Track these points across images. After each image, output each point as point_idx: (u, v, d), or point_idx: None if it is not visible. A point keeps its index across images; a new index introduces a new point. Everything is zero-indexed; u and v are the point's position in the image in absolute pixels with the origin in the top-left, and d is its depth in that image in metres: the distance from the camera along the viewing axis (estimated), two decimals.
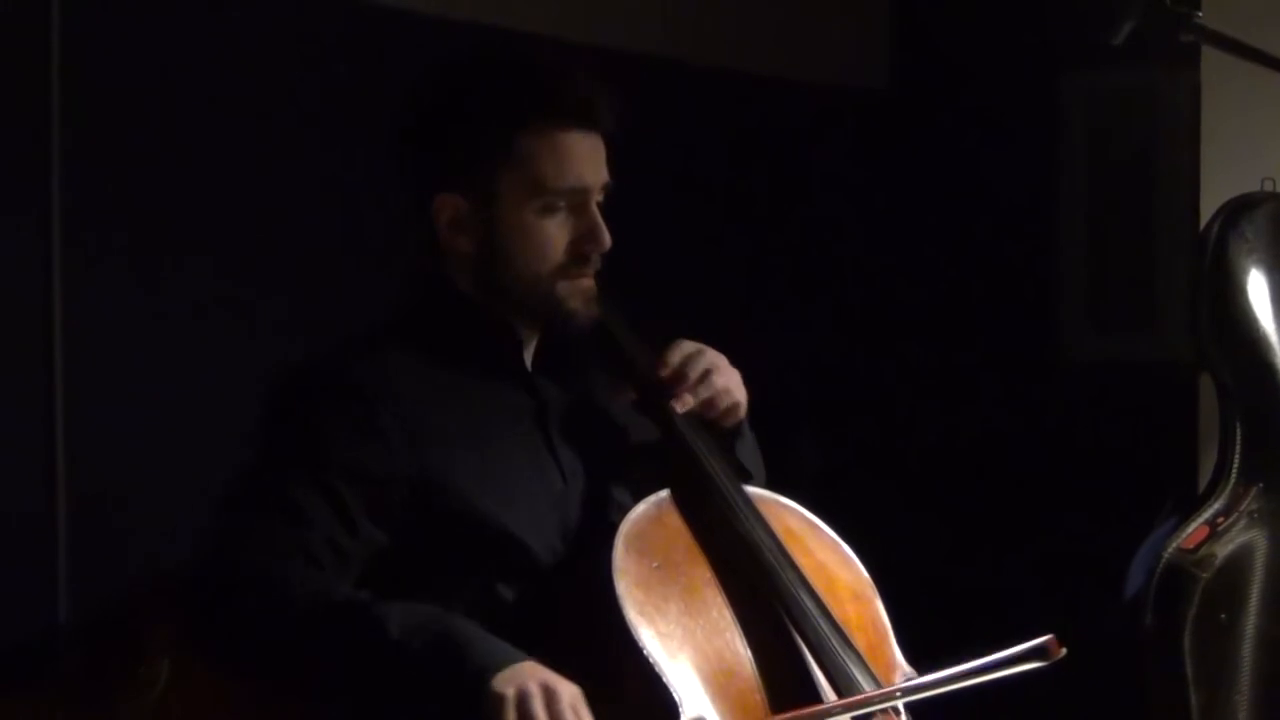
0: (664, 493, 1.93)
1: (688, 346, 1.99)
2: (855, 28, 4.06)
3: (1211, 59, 3.18)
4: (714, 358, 2.00)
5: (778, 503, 2.02)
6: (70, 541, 2.78)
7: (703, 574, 1.87)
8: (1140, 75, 3.70)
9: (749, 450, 2.07)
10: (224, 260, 2.96)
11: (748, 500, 1.95)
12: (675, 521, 1.90)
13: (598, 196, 1.94)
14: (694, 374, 1.97)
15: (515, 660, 1.72)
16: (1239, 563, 2.75)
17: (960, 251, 3.99)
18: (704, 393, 1.97)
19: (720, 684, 1.80)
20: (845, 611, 1.93)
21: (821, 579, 1.93)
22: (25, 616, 2.73)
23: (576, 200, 1.92)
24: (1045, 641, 1.77)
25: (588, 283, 1.94)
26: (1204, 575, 2.71)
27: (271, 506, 1.81)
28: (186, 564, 2.60)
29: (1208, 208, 3.04)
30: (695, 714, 1.76)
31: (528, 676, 1.69)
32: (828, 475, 3.38)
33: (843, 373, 3.93)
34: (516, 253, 1.91)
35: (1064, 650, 1.79)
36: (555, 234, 1.91)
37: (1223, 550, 2.73)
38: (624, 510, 1.90)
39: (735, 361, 2.04)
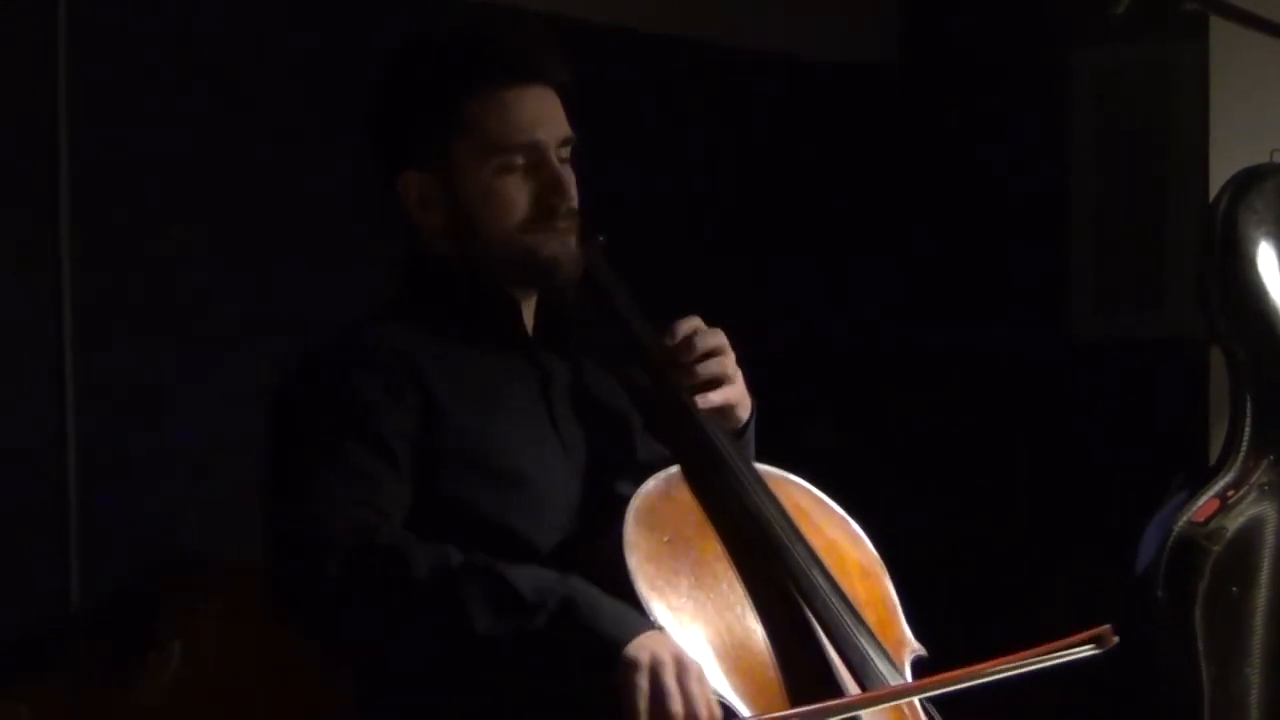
0: (674, 468, 1.92)
1: (693, 321, 1.99)
2: (864, 3, 4.04)
3: (1219, 31, 3.16)
4: (718, 343, 1.99)
5: (787, 480, 2.02)
6: (82, 525, 2.79)
7: (713, 549, 1.87)
8: (1148, 49, 3.69)
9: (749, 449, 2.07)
10: (230, 251, 2.96)
11: (757, 476, 1.95)
12: (685, 497, 1.90)
13: (560, 151, 1.95)
14: (698, 350, 1.96)
15: (646, 627, 1.74)
16: (1250, 536, 2.75)
17: (969, 228, 3.98)
18: (714, 368, 1.97)
19: (732, 657, 1.80)
20: (855, 588, 1.93)
21: (832, 556, 1.93)
22: (37, 600, 2.74)
23: (533, 156, 1.93)
24: (1100, 631, 1.78)
25: (562, 236, 1.93)
26: (1215, 548, 2.71)
27: (341, 468, 1.81)
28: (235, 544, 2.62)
29: (1216, 180, 3.03)
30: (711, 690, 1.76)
31: (661, 645, 1.72)
32: (836, 454, 3.38)
33: (851, 351, 3.92)
34: (482, 216, 1.93)
35: (1117, 639, 1.79)
36: (514, 192, 1.92)
37: (1233, 523, 2.73)
38: (622, 485, 1.90)
39: (741, 342, 2.04)
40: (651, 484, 1.89)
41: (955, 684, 1.79)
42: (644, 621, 1.75)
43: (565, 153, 1.95)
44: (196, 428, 2.91)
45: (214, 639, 2.79)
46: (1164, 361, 3.60)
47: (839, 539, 2.00)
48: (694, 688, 1.72)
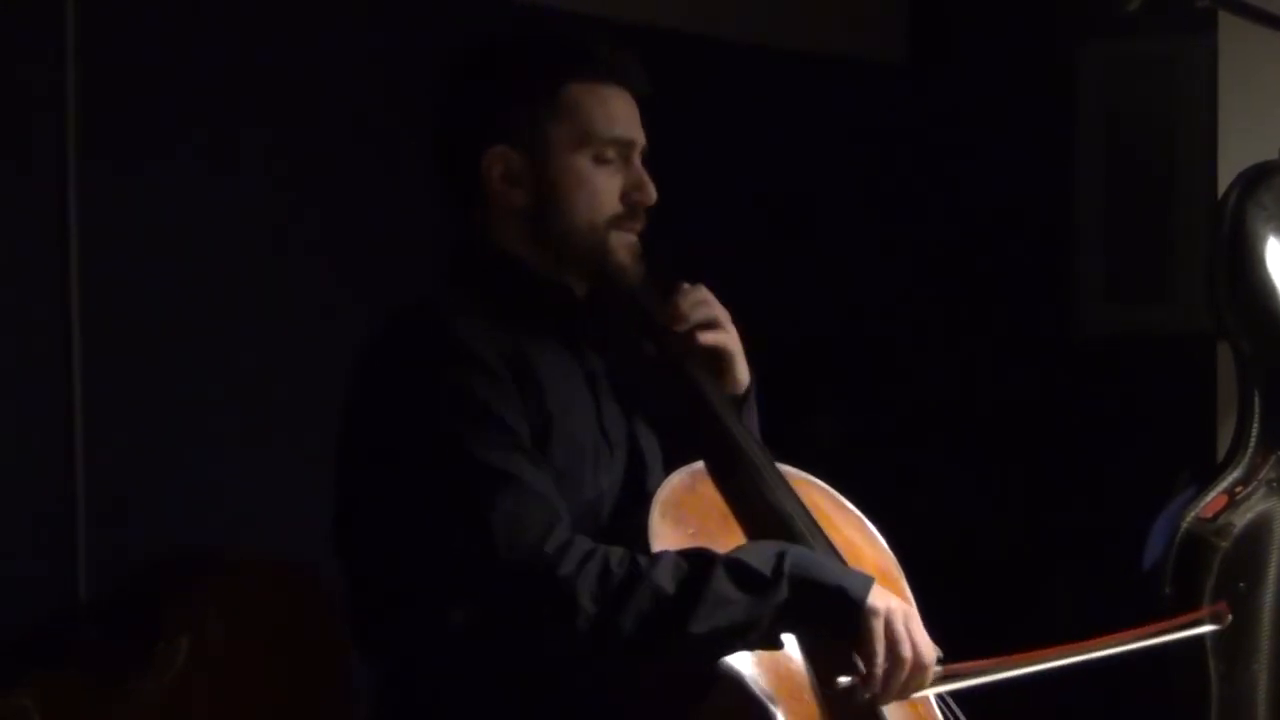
0: (698, 463, 1.94)
1: (699, 290, 2.03)
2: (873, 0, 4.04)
3: (1228, 26, 3.16)
4: (708, 297, 2.03)
5: (806, 479, 2.03)
6: (90, 520, 2.79)
7: (737, 543, 1.87)
8: (1157, 44, 3.69)
9: (753, 422, 2.08)
10: (241, 247, 2.96)
11: (778, 473, 1.97)
12: (709, 491, 1.91)
13: (639, 155, 1.98)
14: (695, 299, 2.01)
15: (870, 580, 1.84)
16: (1258, 532, 2.74)
17: (977, 223, 3.98)
18: (704, 312, 2.00)
19: (759, 652, 1.82)
20: None
21: (850, 555, 1.94)
22: (45, 594, 2.74)
23: (623, 152, 1.96)
24: (1218, 607, 1.83)
25: (633, 239, 1.96)
26: (1223, 544, 2.70)
27: (526, 495, 1.80)
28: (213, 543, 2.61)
29: (1225, 176, 3.02)
30: (733, 671, 1.79)
31: (889, 596, 1.84)
32: (845, 451, 3.38)
33: (859, 347, 3.92)
34: (572, 201, 1.93)
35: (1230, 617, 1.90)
36: (607, 183, 1.94)
37: (1241, 519, 2.73)
38: (653, 481, 1.91)
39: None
40: (676, 478, 1.91)
41: (1085, 654, 1.93)
42: (860, 573, 1.86)
43: (641, 159, 1.98)
44: (204, 423, 2.91)
45: (221, 634, 2.79)
46: (1171, 357, 3.59)
47: (857, 539, 2.01)
48: (920, 633, 1.84)
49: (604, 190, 1.94)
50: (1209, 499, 2.73)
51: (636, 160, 1.97)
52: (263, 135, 2.99)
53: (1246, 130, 3.14)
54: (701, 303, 2.01)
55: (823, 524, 1.94)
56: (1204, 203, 3.43)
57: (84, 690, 2.66)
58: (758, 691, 1.79)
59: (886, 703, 1.83)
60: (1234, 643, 2.69)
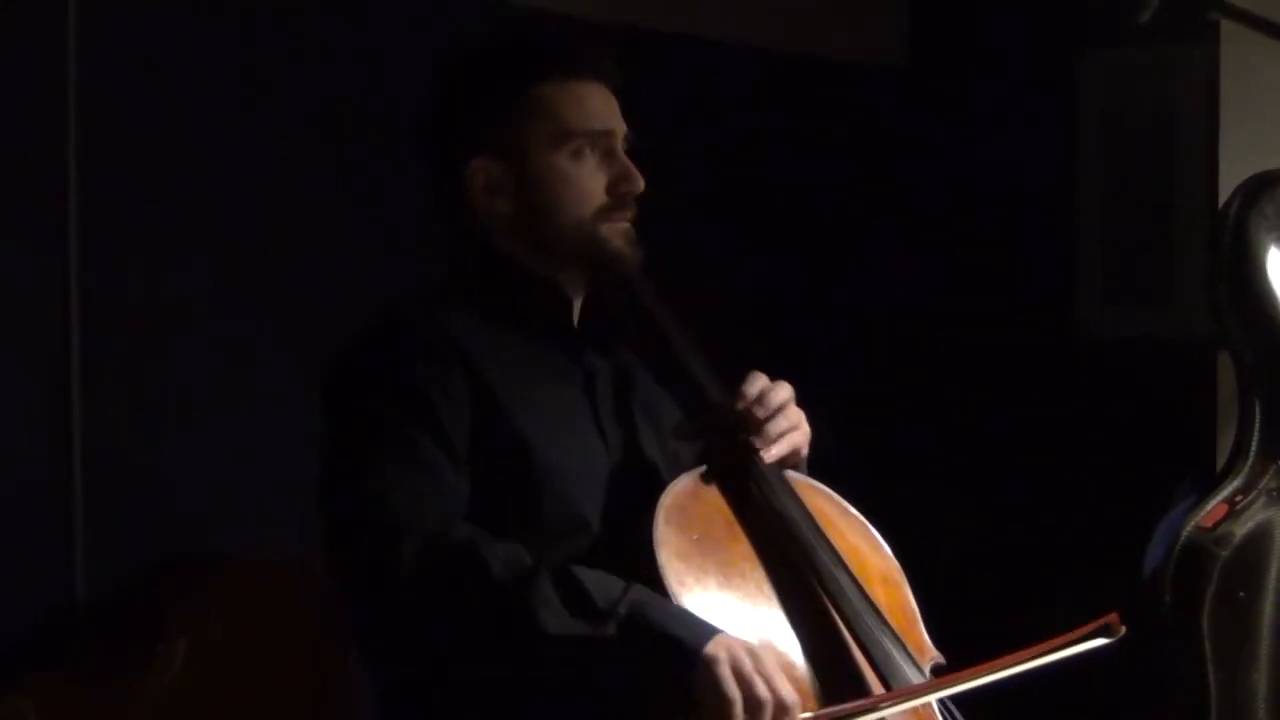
0: (702, 468, 1.94)
1: (764, 379, 2.00)
2: (874, 3, 4.04)
3: (1230, 33, 3.16)
4: (785, 397, 2.00)
5: (810, 485, 2.03)
6: (87, 521, 2.78)
7: (741, 548, 1.88)
8: (1159, 51, 3.69)
9: None
10: (241, 253, 2.95)
11: (784, 479, 1.97)
12: (714, 496, 1.91)
13: (622, 144, 1.97)
14: (771, 407, 1.97)
15: (714, 630, 1.76)
16: (1258, 541, 2.75)
17: (977, 227, 3.98)
18: (782, 424, 1.97)
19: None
20: (876, 594, 1.94)
21: (854, 561, 1.94)
22: (43, 597, 2.74)
23: (603, 144, 1.96)
24: (1108, 620, 1.79)
25: (627, 226, 1.97)
26: (1222, 553, 2.70)
27: (409, 464, 1.81)
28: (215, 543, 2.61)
29: (1226, 183, 3.02)
30: None
31: (733, 641, 1.75)
32: (847, 458, 3.38)
33: (859, 352, 3.92)
34: (556, 201, 1.94)
35: (1124, 629, 1.80)
36: (590, 177, 1.95)
37: (1241, 528, 2.73)
38: (659, 485, 1.91)
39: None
40: (681, 483, 1.90)
41: (973, 680, 1.80)
42: (711, 625, 1.77)
43: (625, 147, 1.98)
44: (203, 424, 2.91)
45: (219, 635, 2.78)
46: (1172, 364, 3.60)
47: (861, 545, 2.01)
48: (774, 671, 1.75)
49: (587, 185, 1.94)
50: (1209, 508, 2.73)
51: (619, 150, 1.97)
52: (263, 135, 2.98)
53: (1247, 138, 3.15)
54: (780, 414, 1.97)
55: (827, 529, 1.94)
56: (1204, 208, 3.44)
57: (83, 691, 2.65)
58: None
59: None
60: (1233, 652, 2.69)
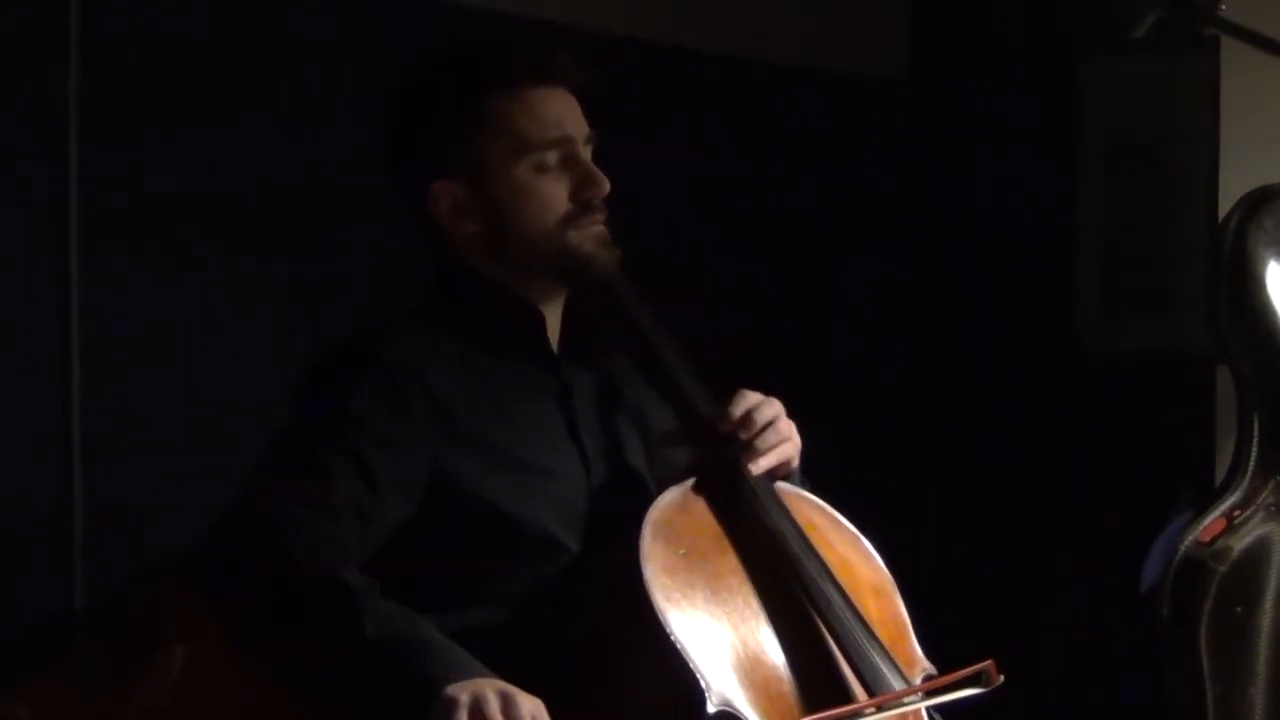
0: (689, 481, 1.93)
1: (752, 398, 1.99)
2: (875, 16, 4.04)
3: (1230, 49, 3.16)
4: (775, 412, 1.99)
5: (800, 496, 2.03)
6: (86, 527, 2.78)
7: (729, 562, 1.87)
8: (1159, 65, 3.69)
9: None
10: (240, 256, 2.96)
11: (772, 492, 1.96)
12: (701, 510, 1.90)
13: (586, 148, 1.96)
14: (757, 426, 1.96)
15: (477, 674, 1.69)
16: (1256, 556, 2.74)
17: (977, 242, 3.98)
18: (771, 439, 1.97)
19: (746, 670, 1.80)
20: (866, 606, 1.93)
21: (844, 572, 1.94)
22: (41, 603, 2.74)
23: (564, 151, 1.94)
24: (984, 667, 1.78)
25: (598, 228, 1.95)
26: (1220, 568, 2.70)
27: (298, 466, 1.81)
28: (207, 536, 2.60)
29: (1226, 197, 3.02)
30: (722, 699, 1.75)
31: (485, 685, 1.66)
32: (842, 469, 3.38)
33: (857, 365, 3.92)
34: (520, 215, 1.93)
35: (1002, 678, 1.78)
36: (553, 188, 1.93)
37: (1239, 543, 2.73)
38: (646, 497, 1.90)
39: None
40: (668, 497, 1.90)
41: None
42: (478, 668, 1.70)
43: (589, 150, 1.96)
44: (202, 428, 2.91)
45: (218, 641, 2.77)
46: (1170, 377, 3.59)
47: (851, 556, 2.00)
48: (517, 713, 1.65)
49: (550, 196, 1.93)
50: (1207, 522, 2.73)
51: (582, 154, 1.95)
52: (261, 145, 2.98)
53: (1247, 151, 3.15)
54: (770, 428, 1.97)
55: (816, 542, 1.94)
56: (1204, 223, 3.43)
57: (80, 698, 2.65)
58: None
59: None
60: (1231, 667, 2.69)
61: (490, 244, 1.95)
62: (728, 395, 2.00)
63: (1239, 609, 2.71)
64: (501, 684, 1.67)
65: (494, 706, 1.64)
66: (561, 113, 1.94)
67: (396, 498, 1.84)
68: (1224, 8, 2.27)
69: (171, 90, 2.86)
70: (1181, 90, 3.71)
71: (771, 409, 1.99)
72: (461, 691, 1.65)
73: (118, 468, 2.82)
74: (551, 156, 1.93)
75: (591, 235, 1.94)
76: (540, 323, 1.98)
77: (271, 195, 2.99)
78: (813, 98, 3.88)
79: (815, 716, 1.76)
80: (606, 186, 1.94)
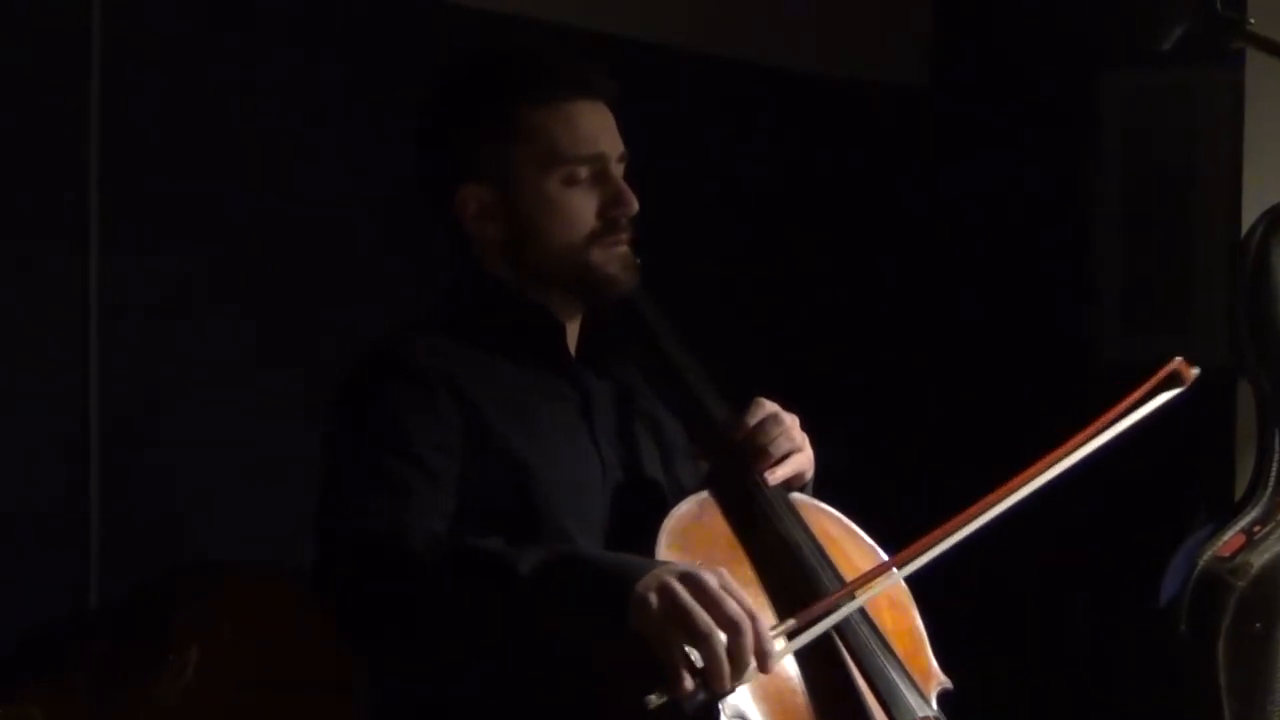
0: (705, 492, 1.92)
1: (768, 406, 1.98)
2: (895, 24, 4.03)
3: (1254, 61, 3.15)
4: (789, 422, 1.99)
5: (815, 507, 2.02)
6: (102, 528, 2.78)
7: (744, 574, 1.85)
8: (1181, 76, 3.67)
9: None
10: (257, 261, 2.96)
11: (787, 502, 1.95)
12: (717, 521, 1.89)
13: (618, 166, 1.94)
14: (770, 438, 1.96)
15: (656, 565, 1.67)
16: (1275, 572, 2.73)
17: (996, 251, 3.96)
18: (785, 446, 1.96)
19: (760, 682, 1.77)
20: (882, 618, 1.92)
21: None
22: (57, 603, 2.74)
23: (596, 167, 1.92)
24: (1175, 365, 1.74)
25: (623, 248, 1.93)
26: (1239, 584, 2.69)
27: (375, 486, 1.80)
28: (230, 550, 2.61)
29: (1249, 209, 3.01)
30: (735, 711, 1.74)
31: (665, 572, 1.63)
32: (859, 479, 3.37)
33: (875, 374, 3.91)
34: (546, 227, 1.91)
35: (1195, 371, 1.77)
36: (581, 203, 1.91)
37: (1259, 559, 2.72)
38: (662, 507, 1.89)
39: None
40: (684, 507, 1.89)
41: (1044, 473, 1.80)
42: (646, 560, 1.69)
43: (621, 168, 1.95)
44: (216, 432, 2.91)
45: (231, 642, 2.78)
46: (1190, 393, 3.57)
47: (866, 567, 1.99)
48: (718, 593, 1.62)
49: (578, 211, 1.91)
50: (1226, 538, 2.72)
51: (614, 171, 1.93)
52: (272, 149, 2.98)
53: (1270, 166, 3.13)
54: (782, 435, 1.96)
55: (831, 552, 1.93)
56: (1225, 235, 3.42)
57: (93, 699, 2.65)
58: None
59: (730, 688, 1.63)
60: (1249, 682, 2.68)
61: (512, 251, 1.94)
62: (743, 404, 2.00)
63: (1258, 625, 2.69)
64: (679, 566, 1.66)
65: (685, 595, 1.60)
66: (598, 128, 1.92)
67: (455, 499, 1.85)
68: (1253, 21, 2.26)
69: (190, 96, 2.86)
70: (1204, 102, 3.69)
71: (787, 418, 1.98)
72: (648, 588, 1.61)
73: (133, 470, 2.83)
74: (583, 171, 1.91)
75: (615, 256, 1.92)
76: (560, 332, 1.98)
77: (287, 201, 2.99)
78: (832, 105, 3.87)
79: None
80: (635, 206, 1.92)
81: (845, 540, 2.00)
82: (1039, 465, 1.80)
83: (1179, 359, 1.74)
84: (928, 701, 1.89)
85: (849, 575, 1.91)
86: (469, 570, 1.71)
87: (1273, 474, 2.78)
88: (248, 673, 2.78)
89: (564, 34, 3.18)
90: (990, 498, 1.83)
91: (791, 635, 1.71)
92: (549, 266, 1.93)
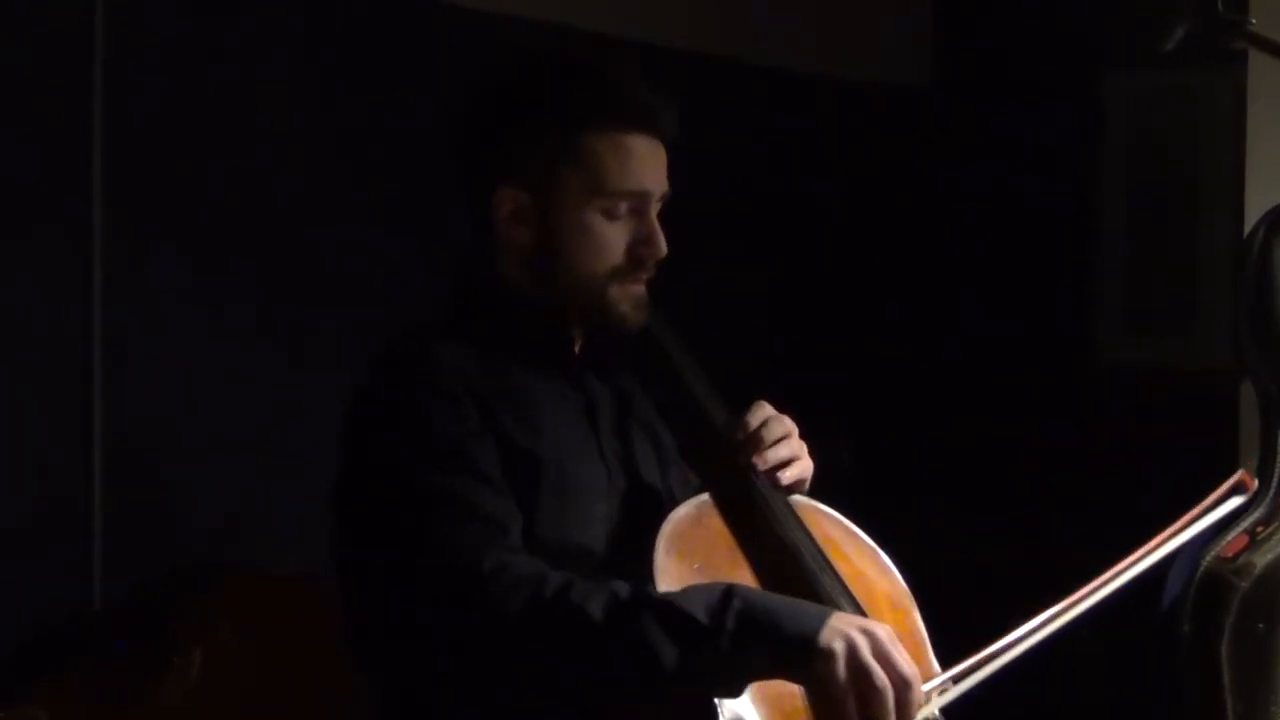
0: (705, 495, 1.93)
1: (768, 409, 1.99)
2: (895, 24, 4.04)
3: (1256, 62, 3.15)
4: (789, 426, 1.99)
5: (816, 509, 2.02)
6: (105, 529, 2.78)
7: (744, 577, 1.86)
8: (1184, 77, 3.68)
9: None
10: (262, 262, 2.96)
11: (787, 505, 1.96)
12: (716, 524, 1.90)
13: (657, 204, 1.94)
14: (769, 438, 1.96)
15: (826, 614, 1.70)
16: (1278, 572, 2.73)
17: (1000, 252, 3.97)
18: (784, 451, 1.97)
19: (759, 685, 1.78)
20: (883, 620, 1.91)
21: (861, 586, 1.93)
22: (59, 605, 2.74)
23: (637, 205, 1.92)
24: (1239, 477, 1.76)
25: (639, 289, 1.94)
26: (1242, 584, 2.69)
27: (433, 503, 1.77)
28: (227, 552, 2.60)
29: (1251, 210, 3.01)
30: (734, 715, 1.74)
31: (847, 624, 1.68)
32: (862, 480, 3.37)
33: (878, 376, 3.91)
34: (574, 251, 1.91)
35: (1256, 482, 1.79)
36: (614, 237, 1.91)
37: (1262, 559, 2.71)
38: (661, 510, 1.89)
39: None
40: (683, 510, 1.89)
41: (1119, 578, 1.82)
42: (818, 609, 1.71)
43: (659, 207, 1.95)
44: (220, 435, 2.91)
45: (235, 645, 2.78)
46: (1193, 391, 3.58)
47: (868, 570, 1.99)
48: (891, 651, 1.68)
49: (608, 244, 1.91)
50: (1230, 538, 2.72)
51: (651, 211, 1.93)
52: (284, 153, 2.98)
53: (1272, 164, 3.14)
54: (783, 439, 1.97)
55: (832, 555, 1.93)
56: (1227, 235, 3.42)
57: (97, 701, 2.65)
58: None
59: None
60: (1252, 683, 2.68)
61: (534, 259, 1.93)
62: (743, 406, 2.00)
63: (1261, 625, 2.69)
64: (856, 620, 1.69)
65: (867, 650, 1.66)
66: (650, 166, 1.92)
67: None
68: (1254, 22, 2.26)
69: (195, 98, 2.86)
70: (1206, 103, 3.70)
71: (787, 423, 1.99)
72: (835, 640, 1.66)
73: (138, 470, 2.83)
74: (623, 206, 1.91)
75: (630, 295, 1.93)
76: (570, 339, 1.98)
77: (290, 201, 2.99)
78: (832, 105, 3.87)
79: None
80: (664, 251, 1.92)
81: (846, 542, 2.01)
82: (1106, 576, 1.83)
83: (1242, 471, 1.81)
84: (928, 701, 1.89)
85: (849, 577, 1.91)
86: (626, 619, 1.68)
87: (1276, 474, 2.77)
88: (250, 674, 2.78)
89: (564, 34, 3.18)
90: (1063, 604, 1.85)
91: (941, 692, 1.76)
92: (566, 289, 1.93)
